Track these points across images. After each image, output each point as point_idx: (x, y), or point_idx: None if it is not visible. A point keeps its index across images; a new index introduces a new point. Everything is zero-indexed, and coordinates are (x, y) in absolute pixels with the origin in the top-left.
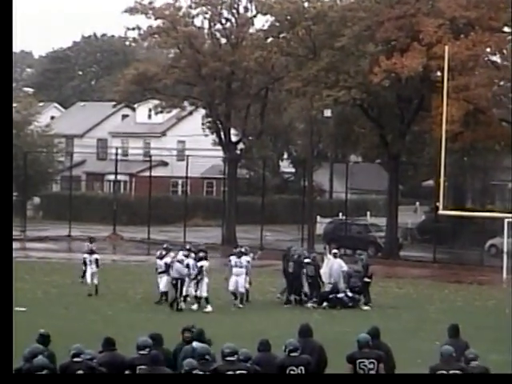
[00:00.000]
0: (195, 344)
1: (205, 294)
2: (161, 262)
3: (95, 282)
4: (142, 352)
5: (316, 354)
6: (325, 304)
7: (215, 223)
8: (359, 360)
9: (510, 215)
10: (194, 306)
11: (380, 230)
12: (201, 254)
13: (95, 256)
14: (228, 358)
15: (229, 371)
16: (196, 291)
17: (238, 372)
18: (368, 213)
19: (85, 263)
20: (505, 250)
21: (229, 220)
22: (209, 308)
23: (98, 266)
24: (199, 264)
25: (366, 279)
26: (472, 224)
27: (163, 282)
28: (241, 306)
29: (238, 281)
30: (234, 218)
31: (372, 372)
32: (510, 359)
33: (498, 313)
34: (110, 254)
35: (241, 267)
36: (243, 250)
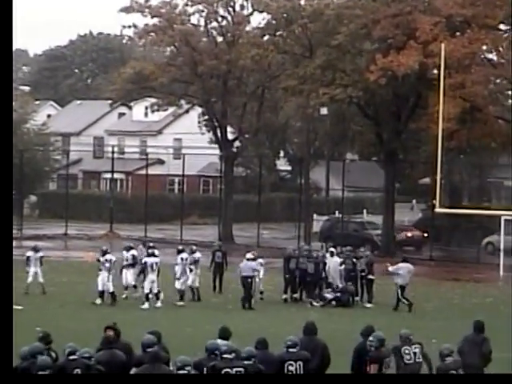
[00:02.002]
0: (219, 341)
1: (150, 290)
2: (127, 255)
3: (40, 280)
4: (148, 350)
5: (319, 352)
6: (321, 302)
7: (212, 221)
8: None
9: (506, 212)
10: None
11: (376, 227)
12: (149, 251)
13: (40, 254)
14: (225, 356)
15: (226, 369)
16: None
17: (234, 370)
18: (364, 210)
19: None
20: (501, 247)
21: (225, 218)
22: (158, 304)
23: (41, 264)
24: (144, 260)
25: (371, 276)
26: (469, 222)
27: (131, 275)
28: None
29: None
30: (231, 215)
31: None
32: (506, 357)
33: (494, 310)
34: (133, 251)
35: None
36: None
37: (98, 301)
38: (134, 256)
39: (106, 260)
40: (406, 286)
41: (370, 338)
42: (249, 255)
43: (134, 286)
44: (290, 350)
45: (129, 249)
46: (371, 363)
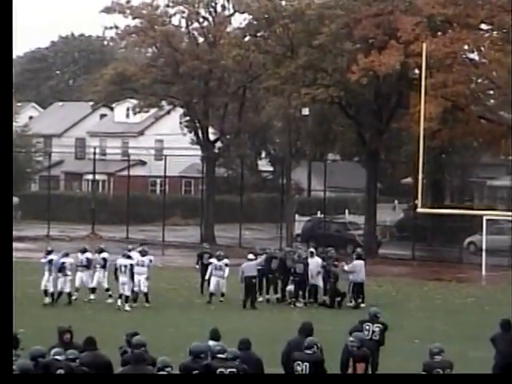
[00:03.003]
0: (210, 342)
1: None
2: (82, 257)
3: None
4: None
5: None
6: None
7: (194, 222)
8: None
9: (488, 212)
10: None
11: (358, 227)
12: (124, 252)
13: None
14: (218, 356)
15: (221, 368)
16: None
17: (228, 370)
18: (346, 211)
19: None
20: (484, 247)
21: (207, 219)
22: (127, 307)
23: None
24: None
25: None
26: (451, 221)
27: (86, 277)
28: (222, 299)
29: (219, 281)
30: (213, 216)
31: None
32: (489, 356)
33: (477, 310)
34: (88, 253)
35: (220, 269)
36: (222, 253)
37: (47, 300)
38: (88, 258)
39: (49, 261)
40: (364, 283)
41: (351, 339)
42: (250, 256)
43: (107, 290)
44: (307, 351)
45: (84, 251)
46: (357, 362)
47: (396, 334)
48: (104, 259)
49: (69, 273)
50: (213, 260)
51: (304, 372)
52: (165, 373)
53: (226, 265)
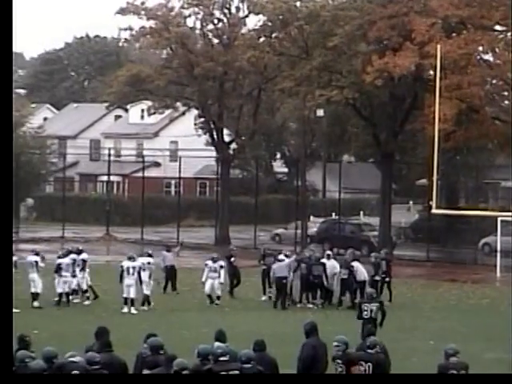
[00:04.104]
0: (216, 344)
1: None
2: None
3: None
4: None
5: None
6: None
7: (208, 223)
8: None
9: (503, 214)
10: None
11: (373, 229)
12: (129, 254)
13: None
14: (221, 359)
15: (222, 371)
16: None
17: (231, 372)
18: (361, 212)
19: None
20: (498, 248)
21: (222, 220)
22: (133, 310)
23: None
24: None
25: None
26: (465, 223)
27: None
28: (218, 303)
29: (214, 283)
30: (227, 218)
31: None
32: (504, 357)
33: (492, 311)
34: (103, 254)
35: (215, 271)
36: (215, 255)
37: (36, 303)
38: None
39: (36, 261)
40: (366, 281)
41: (335, 343)
42: (281, 256)
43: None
44: (369, 351)
45: (64, 256)
46: (351, 366)
47: (411, 335)
48: (83, 260)
49: (64, 274)
50: (208, 262)
51: (367, 372)
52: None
53: (221, 267)
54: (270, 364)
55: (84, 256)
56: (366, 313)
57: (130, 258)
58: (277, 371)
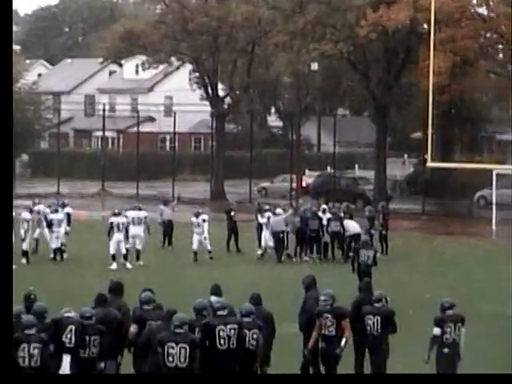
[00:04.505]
0: (212, 298)
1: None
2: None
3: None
4: (146, 307)
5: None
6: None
7: (203, 178)
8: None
9: (498, 166)
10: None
11: (368, 182)
12: (115, 211)
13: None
14: (219, 313)
15: (220, 325)
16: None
17: (228, 327)
18: (356, 166)
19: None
20: (494, 201)
21: (217, 175)
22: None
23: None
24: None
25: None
26: (461, 176)
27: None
28: (211, 256)
29: (201, 239)
30: (222, 172)
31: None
32: (501, 310)
33: (488, 264)
34: (99, 210)
35: (198, 226)
36: (200, 210)
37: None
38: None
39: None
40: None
41: (322, 298)
42: (278, 210)
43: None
44: (376, 304)
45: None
46: (342, 320)
47: (407, 288)
48: (68, 214)
49: (56, 229)
50: (192, 218)
51: (376, 325)
52: (182, 331)
53: (204, 220)
54: (266, 318)
55: (68, 210)
56: (362, 258)
57: (116, 214)
58: (273, 325)
